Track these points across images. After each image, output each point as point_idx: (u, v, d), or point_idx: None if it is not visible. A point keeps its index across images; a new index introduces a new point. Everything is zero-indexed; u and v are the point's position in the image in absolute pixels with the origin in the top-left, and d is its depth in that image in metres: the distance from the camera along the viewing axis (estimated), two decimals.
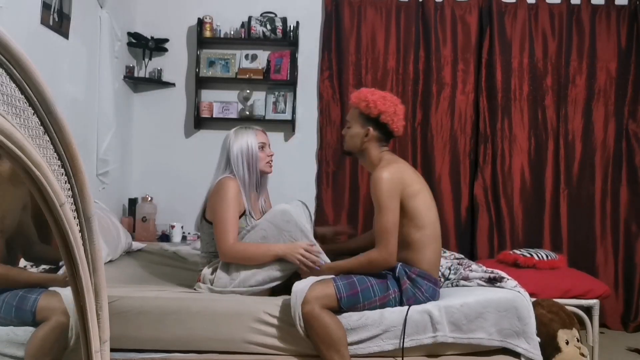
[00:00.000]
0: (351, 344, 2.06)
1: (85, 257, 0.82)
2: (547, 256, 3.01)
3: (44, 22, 2.69)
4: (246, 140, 2.34)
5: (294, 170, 3.94)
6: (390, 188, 2.08)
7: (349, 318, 2.08)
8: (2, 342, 1.88)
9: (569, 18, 3.84)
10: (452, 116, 3.87)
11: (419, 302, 2.11)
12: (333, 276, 2.12)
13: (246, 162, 2.32)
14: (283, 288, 2.23)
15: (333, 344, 1.98)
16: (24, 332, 1.91)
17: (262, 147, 2.38)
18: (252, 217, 2.34)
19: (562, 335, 2.27)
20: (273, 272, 2.20)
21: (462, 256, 2.86)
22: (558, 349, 2.25)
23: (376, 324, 2.07)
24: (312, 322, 1.98)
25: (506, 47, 3.85)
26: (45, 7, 2.68)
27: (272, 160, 2.43)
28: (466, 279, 2.40)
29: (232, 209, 2.24)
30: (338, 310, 2.06)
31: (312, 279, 2.09)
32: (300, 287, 2.05)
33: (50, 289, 1.94)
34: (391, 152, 2.31)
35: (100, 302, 0.86)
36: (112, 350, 0.90)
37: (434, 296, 2.16)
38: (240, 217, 2.29)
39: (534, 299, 2.32)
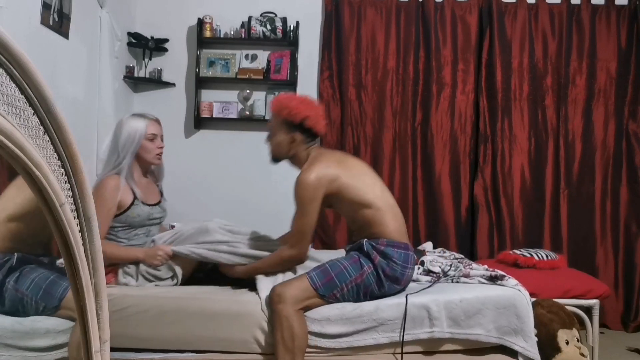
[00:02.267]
0: (347, 334, 2.09)
1: (85, 257, 0.82)
2: (547, 256, 3.01)
3: (44, 22, 2.69)
4: (135, 127, 2.35)
5: (294, 170, 3.94)
6: (312, 191, 2.14)
7: (343, 309, 2.10)
8: (7, 332, 1.89)
9: (569, 18, 3.84)
10: (452, 116, 3.87)
11: (395, 272, 2.14)
12: (307, 271, 2.17)
13: (132, 150, 2.33)
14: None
15: (292, 349, 2.00)
16: (32, 322, 1.92)
17: (152, 138, 2.38)
18: (145, 203, 2.37)
19: (562, 335, 2.27)
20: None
21: (462, 256, 2.87)
22: (558, 349, 2.26)
23: (370, 315, 2.09)
24: (282, 321, 2.01)
25: (506, 47, 3.84)
26: (45, 7, 2.68)
27: (161, 153, 2.43)
28: (467, 276, 2.41)
29: (104, 209, 2.24)
30: (320, 300, 2.09)
31: (288, 280, 2.14)
32: (278, 286, 2.09)
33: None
34: (318, 146, 2.36)
35: (100, 302, 0.86)
36: (111, 349, 0.90)
37: (407, 260, 2.17)
38: (128, 208, 2.31)
39: (534, 299, 2.32)
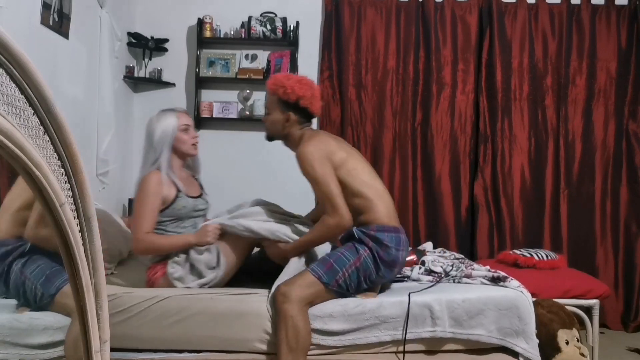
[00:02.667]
0: (349, 331, 2.09)
1: (85, 257, 0.82)
2: (547, 256, 3.01)
3: (44, 22, 2.69)
4: (168, 121, 2.36)
5: (295, 169, 3.94)
6: (319, 157, 2.16)
7: (346, 305, 2.11)
8: (5, 329, 1.89)
9: (569, 18, 3.84)
10: (452, 116, 3.87)
11: (389, 256, 2.14)
12: (306, 268, 2.17)
13: (168, 143, 2.34)
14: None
15: (295, 349, 2.00)
16: (30, 319, 1.93)
17: (186, 128, 2.39)
18: (188, 195, 2.37)
19: (562, 335, 2.27)
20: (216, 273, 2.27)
21: (462, 256, 2.87)
22: (558, 349, 2.26)
23: (373, 312, 2.10)
24: (287, 320, 2.00)
25: (506, 47, 3.85)
26: (45, 7, 2.68)
27: (197, 143, 2.44)
28: (469, 276, 2.41)
29: (149, 203, 2.26)
30: (325, 292, 2.10)
31: (291, 279, 2.13)
32: (282, 285, 2.09)
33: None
34: (312, 128, 2.36)
35: (100, 302, 0.86)
36: (111, 350, 0.90)
37: (399, 243, 2.19)
38: (174, 201, 2.31)
39: (534, 299, 2.32)
